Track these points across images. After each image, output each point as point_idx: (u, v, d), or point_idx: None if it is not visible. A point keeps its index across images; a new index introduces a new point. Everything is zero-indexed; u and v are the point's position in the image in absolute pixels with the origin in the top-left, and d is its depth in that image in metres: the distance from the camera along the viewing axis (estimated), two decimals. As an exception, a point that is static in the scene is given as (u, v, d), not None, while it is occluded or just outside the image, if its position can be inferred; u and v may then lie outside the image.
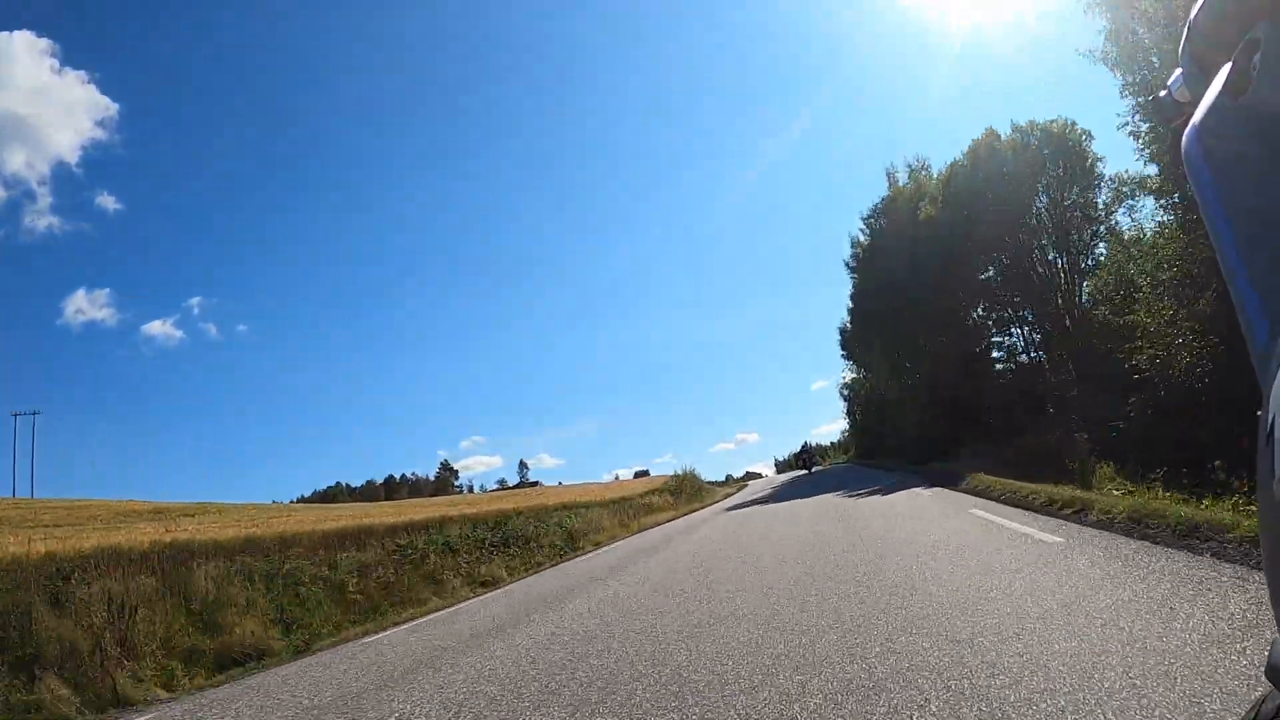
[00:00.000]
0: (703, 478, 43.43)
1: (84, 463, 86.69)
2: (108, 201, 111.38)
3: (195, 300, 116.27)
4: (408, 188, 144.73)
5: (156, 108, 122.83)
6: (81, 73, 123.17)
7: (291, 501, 77.66)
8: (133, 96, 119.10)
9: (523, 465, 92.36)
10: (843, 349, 38.81)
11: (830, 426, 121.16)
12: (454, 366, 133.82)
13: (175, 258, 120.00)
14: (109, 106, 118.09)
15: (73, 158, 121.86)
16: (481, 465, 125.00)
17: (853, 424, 53.01)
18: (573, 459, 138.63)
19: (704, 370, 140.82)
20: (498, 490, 72.27)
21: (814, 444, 58.80)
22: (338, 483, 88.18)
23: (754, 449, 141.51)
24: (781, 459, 79.93)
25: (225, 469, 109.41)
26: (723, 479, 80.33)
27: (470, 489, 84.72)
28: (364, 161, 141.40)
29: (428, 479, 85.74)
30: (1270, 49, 0.53)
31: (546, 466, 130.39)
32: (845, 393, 49.98)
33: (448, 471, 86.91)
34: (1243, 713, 0.53)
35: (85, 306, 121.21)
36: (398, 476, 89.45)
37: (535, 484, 75.35)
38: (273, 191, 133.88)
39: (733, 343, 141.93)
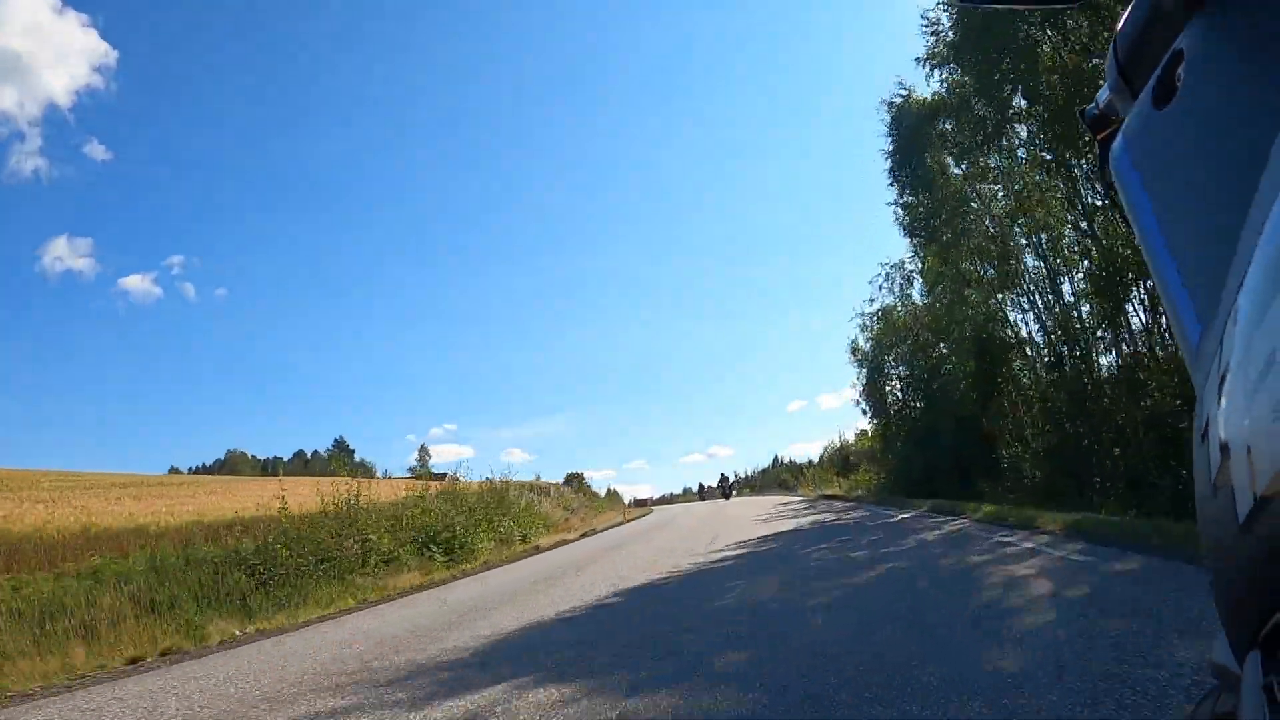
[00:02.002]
0: (592, 487, 31.45)
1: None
2: (98, 150, 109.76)
3: (177, 259, 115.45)
4: (412, 177, 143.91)
5: (157, 60, 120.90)
6: (84, 15, 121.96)
7: (189, 472, 71.30)
8: (133, 46, 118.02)
9: (424, 451, 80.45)
10: (894, 171, 15.33)
11: (807, 446, 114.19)
12: (433, 352, 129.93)
13: (161, 213, 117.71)
14: (108, 53, 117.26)
15: (66, 101, 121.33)
16: (453, 454, 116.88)
17: (877, 409, 21.89)
18: (544, 456, 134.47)
19: (682, 380, 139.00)
20: (406, 479, 63.99)
21: (788, 460, 49.70)
22: (243, 453, 77.82)
23: (724, 463, 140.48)
24: (748, 473, 64.93)
25: (178, 432, 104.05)
26: (680, 491, 70.96)
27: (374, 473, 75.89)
28: (364, 144, 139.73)
29: (320, 455, 74.98)
30: (1195, 60, 0.55)
31: (517, 461, 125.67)
32: (866, 341, 21.34)
33: (342, 451, 76.31)
34: (1189, 709, 0.57)
35: (65, 254, 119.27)
36: (309, 453, 77.72)
37: (444, 476, 65.94)
38: (268, 158, 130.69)
39: (712, 356, 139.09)
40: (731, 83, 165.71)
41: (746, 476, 64.81)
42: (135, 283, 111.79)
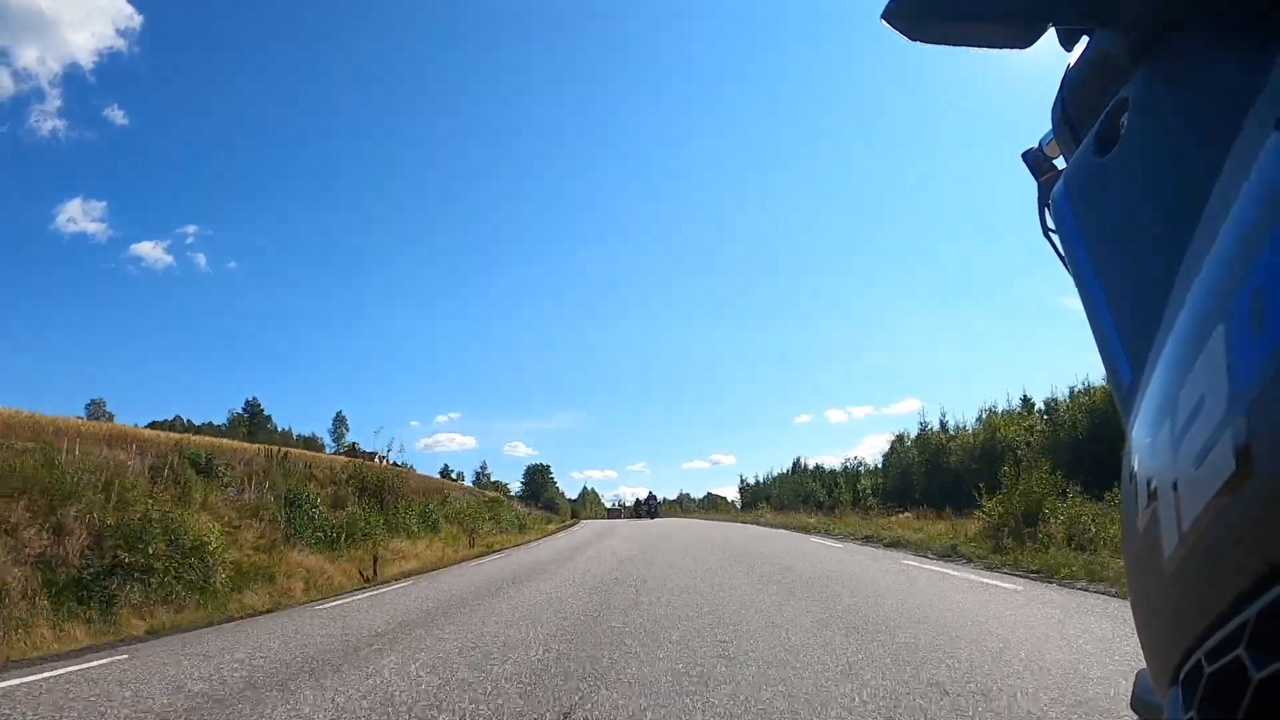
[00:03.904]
0: (558, 485, 26.39)
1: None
2: (116, 114, 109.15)
3: (191, 228, 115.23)
4: (431, 169, 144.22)
5: (181, 28, 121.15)
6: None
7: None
8: (159, 10, 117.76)
9: (339, 422, 69.19)
10: None
11: (821, 458, 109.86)
12: (442, 341, 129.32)
13: (177, 182, 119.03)
14: (133, 16, 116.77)
15: (88, 63, 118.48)
16: (455, 443, 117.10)
17: None
18: (546, 451, 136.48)
19: (688, 386, 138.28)
20: (341, 454, 54.94)
21: (813, 465, 41.42)
22: (177, 416, 69.84)
23: (726, 471, 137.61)
24: (759, 480, 50.68)
25: (171, 394, 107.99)
26: (656, 499, 66.56)
27: (288, 440, 63.69)
28: (384, 133, 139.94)
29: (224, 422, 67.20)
30: (1139, 107, 0.55)
31: (520, 455, 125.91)
32: None
33: (251, 416, 67.06)
34: None
35: (79, 215, 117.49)
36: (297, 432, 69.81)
37: (374, 454, 60.41)
38: (287, 136, 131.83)
39: (719, 364, 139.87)
40: (752, 85, 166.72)
41: (758, 484, 50.51)
42: (148, 249, 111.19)
